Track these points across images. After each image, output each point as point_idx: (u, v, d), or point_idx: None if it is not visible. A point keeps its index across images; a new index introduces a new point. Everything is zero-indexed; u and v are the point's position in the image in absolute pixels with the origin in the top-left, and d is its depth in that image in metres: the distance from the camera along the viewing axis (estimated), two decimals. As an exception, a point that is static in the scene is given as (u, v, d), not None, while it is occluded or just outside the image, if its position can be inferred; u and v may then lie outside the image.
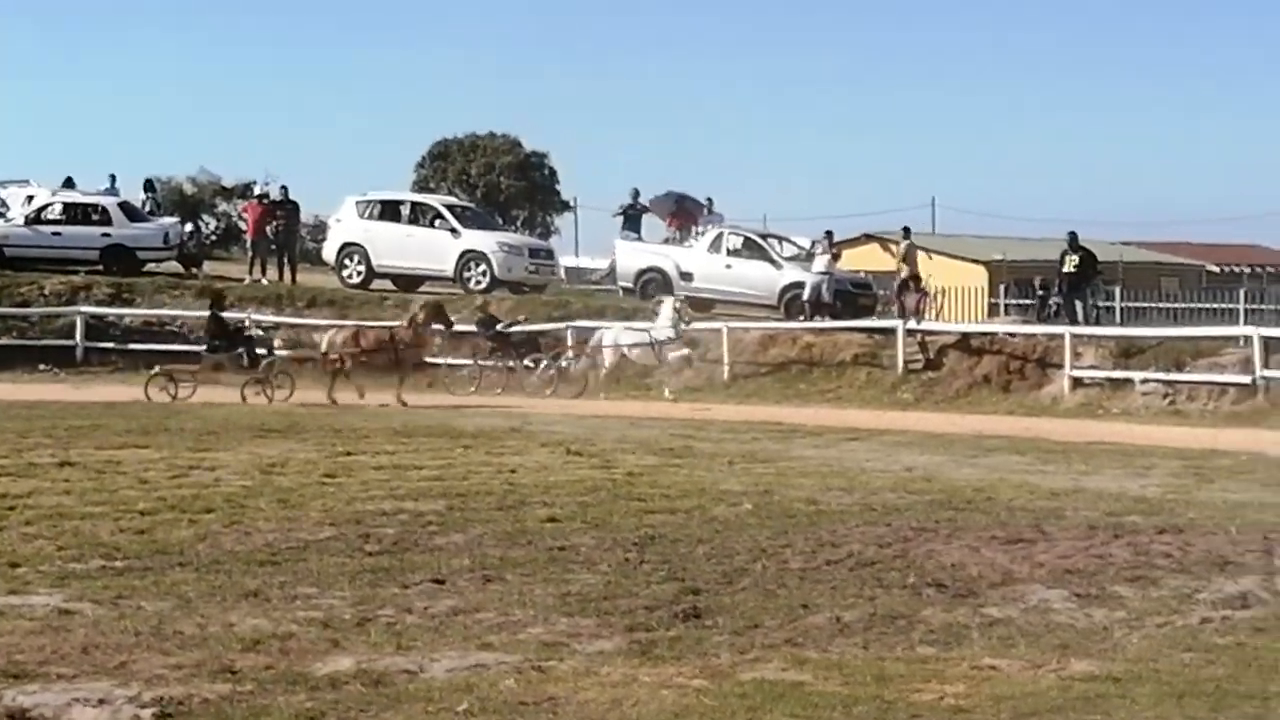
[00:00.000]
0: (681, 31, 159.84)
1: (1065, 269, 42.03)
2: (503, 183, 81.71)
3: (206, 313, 37.81)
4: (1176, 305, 48.95)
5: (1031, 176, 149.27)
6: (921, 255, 55.51)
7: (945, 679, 10.40)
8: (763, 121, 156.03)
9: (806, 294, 41.48)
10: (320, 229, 54.89)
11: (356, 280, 47.20)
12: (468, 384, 37.70)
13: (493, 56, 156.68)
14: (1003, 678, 10.49)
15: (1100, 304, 44.93)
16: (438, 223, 47.47)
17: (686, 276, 44.09)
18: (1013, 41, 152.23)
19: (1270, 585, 13.66)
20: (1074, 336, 37.19)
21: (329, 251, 49.38)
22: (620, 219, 48.30)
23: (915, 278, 46.53)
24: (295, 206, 50.38)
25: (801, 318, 41.11)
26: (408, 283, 46.97)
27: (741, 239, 44.97)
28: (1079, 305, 41.40)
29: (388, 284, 47.49)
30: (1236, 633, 11.89)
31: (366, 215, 48.07)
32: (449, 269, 45.91)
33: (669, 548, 15.20)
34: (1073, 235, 42.84)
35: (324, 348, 36.47)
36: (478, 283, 45.02)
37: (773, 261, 43.67)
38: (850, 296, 42.46)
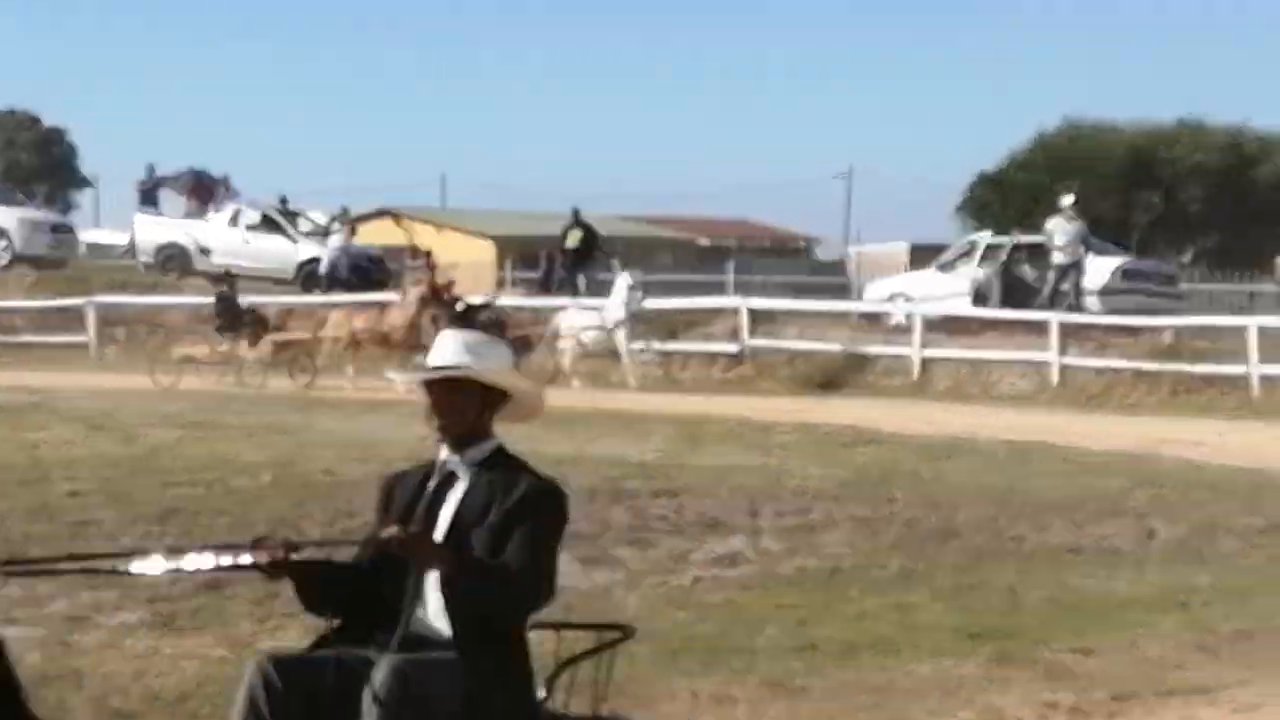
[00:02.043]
0: (200, 9, 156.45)
1: (569, 244, 42.72)
2: (22, 159, 79.53)
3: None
4: (671, 277, 49.71)
5: (539, 154, 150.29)
6: (431, 229, 55.92)
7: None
8: (281, 98, 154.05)
9: (323, 268, 41.34)
10: None
11: (-127, 257, 45.32)
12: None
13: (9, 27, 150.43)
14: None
15: (601, 276, 45.58)
16: (-43, 200, 45.97)
17: (206, 251, 43.41)
18: (515, 23, 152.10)
19: (756, 544, 14.06)
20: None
21: None
22: (139, 195, 47.33)
23: (427, 252, 46.87)
24: None
25: (318, 291, 40.88)
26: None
27: (259, 215, 44.38)
28: (581, 278, 42.12)
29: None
30: (726, 590, 12.23)
31: (-115, 192, 46.29)
32: (-30, 244, 44.43)
33: (191, 520, 14.98)
34: (576, 211, 43.52)
35: (328, 330, 33.25)
36: (-2, 258, 43.87)
37: (289, 237, 43.32)
38: (365, 270, 42.34)
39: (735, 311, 36.78)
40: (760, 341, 35.66)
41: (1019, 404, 29.20)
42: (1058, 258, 34.88)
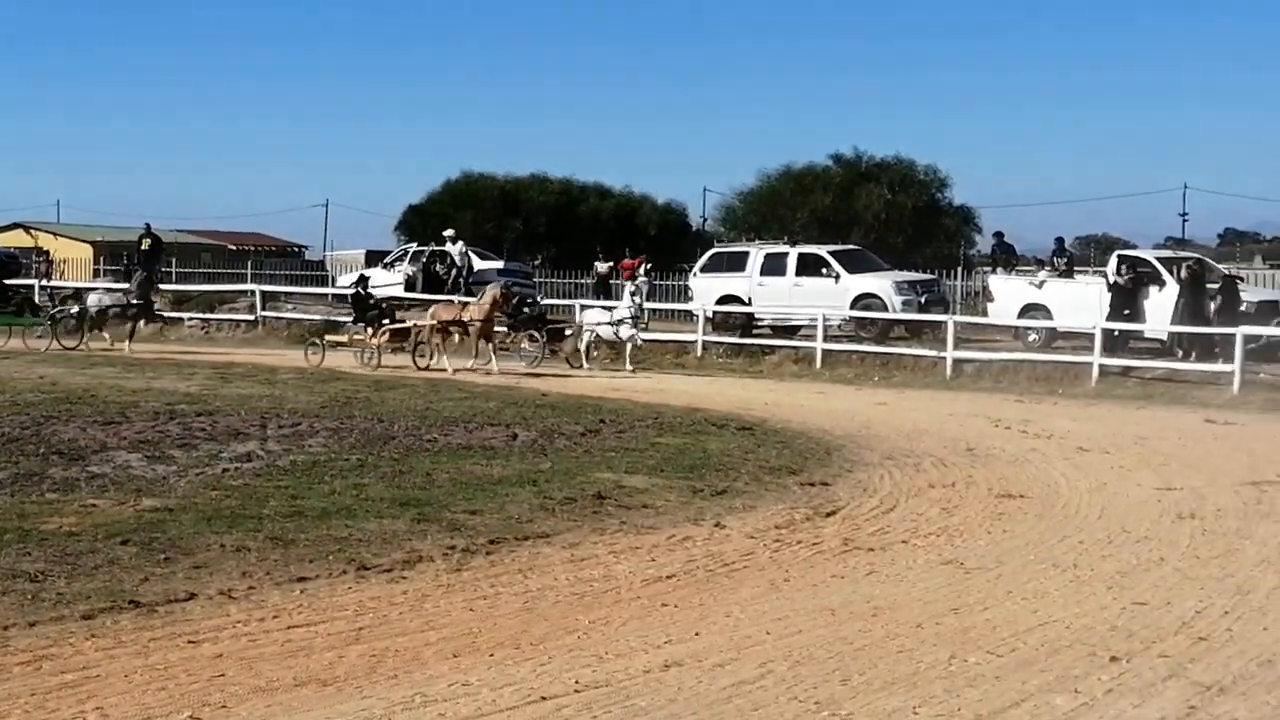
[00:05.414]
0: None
1: (142, 247, 41.08)
2: None
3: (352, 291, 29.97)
4: (210, 270, 48.23)
5: (125, 183, 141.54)
6: (50, 237, 53.03)
7: (64, 514, 9.92)
8: None
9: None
10: None
11: None
12: (484, 357, 26.49)
13: None
14: (100, 511, 10.08)
15: (164, 269, 43.82)
16: None
17: None
18: (113, 88, 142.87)
19: (265, 447, 13.68)
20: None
21: None
22: None
23: (47, 251, 44.56)
24: None
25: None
26: None
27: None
28: (154, 272, 40.44)
29: None
30: (244, 477, 11.86)
31: None
32: None
33: None
34: (147, 225, 41.58)
35: (427, 321, 27.10)
36: None
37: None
38: (3, 264, 39.63)
39: (253, 293, 36.07)
40: (269, 313, 34.98)
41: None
42: (457, 261, 35.33)
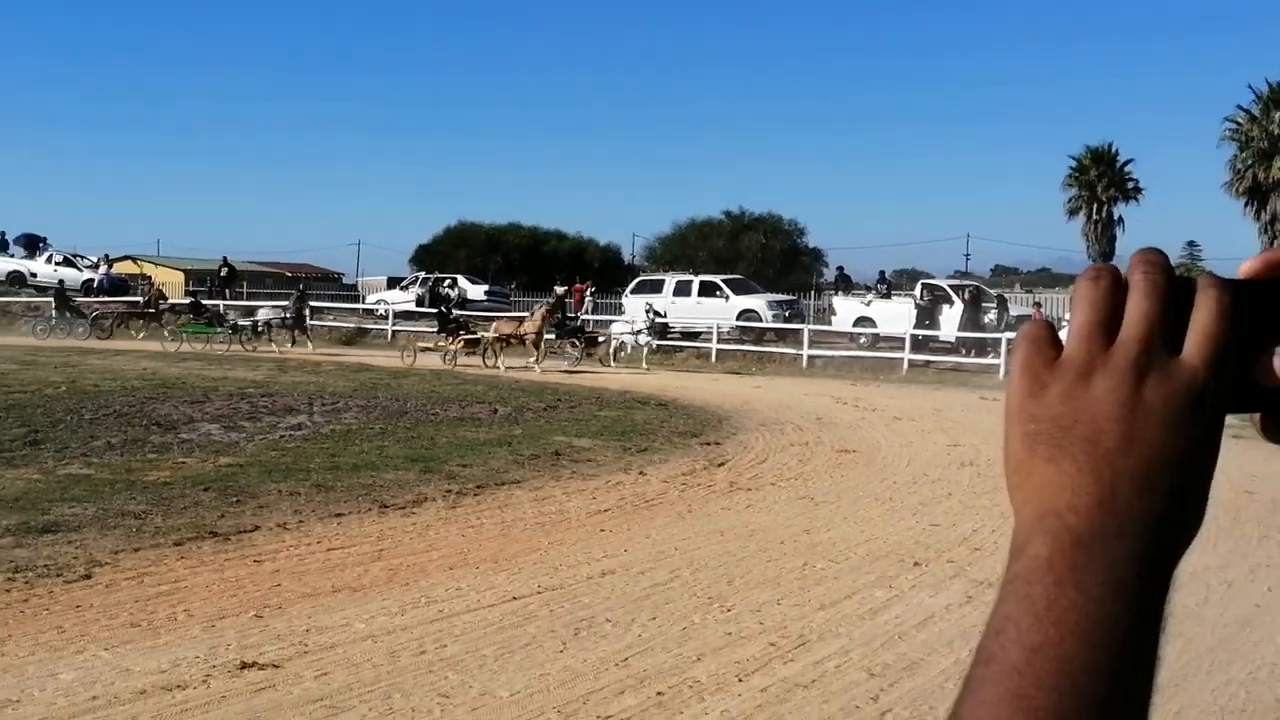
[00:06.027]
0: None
1: (221, 274, 40.49)
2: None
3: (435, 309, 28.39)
4: (273, 291, 47.22)
5: (209, 226, 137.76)
6: (152, 266, 51.69)
7: (160, 468, 9.74)
8: (68, 191, 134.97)
9: (95, 284, 37.40)
10: None
11: None
12: (535, 359, 24.28)
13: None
14: (188, 466, 9.93)
15: (239, 290, 42.97)
16: None
17: (33, 275, 38.22)
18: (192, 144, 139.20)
19: (311, 419, 13.52)
20: (225, 306, 35.41)
21: None
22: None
23: (149, 277, 43.28)
24: None
25: (93, 294, 36.82)
26: None
27: (62, 256, 39.56)
28: (229, 291, 39.69)
29: None
30: (296, 441, 11.71)
31: None
32: None
33: (22, 411, 13.34)
34: (225, 257, 41.39)
35: (491, 333, 25.21)
36: None
37: (78, 268, 38.63)
38: (118, 286, 38.47)
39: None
40: (314, 322, 34.28)
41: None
42: (453, 296, 35.22)
